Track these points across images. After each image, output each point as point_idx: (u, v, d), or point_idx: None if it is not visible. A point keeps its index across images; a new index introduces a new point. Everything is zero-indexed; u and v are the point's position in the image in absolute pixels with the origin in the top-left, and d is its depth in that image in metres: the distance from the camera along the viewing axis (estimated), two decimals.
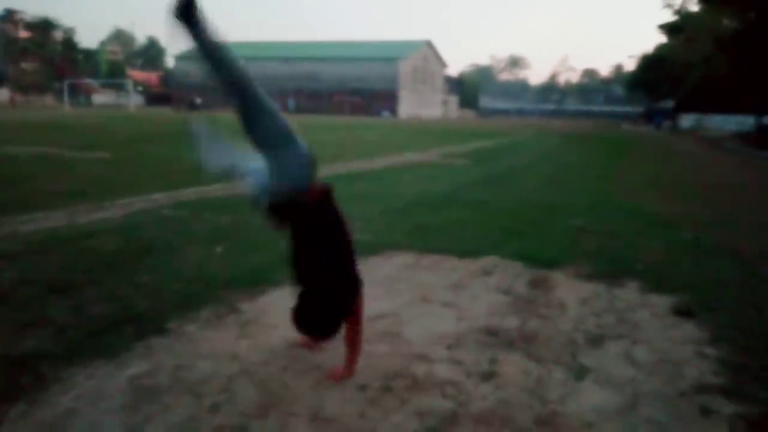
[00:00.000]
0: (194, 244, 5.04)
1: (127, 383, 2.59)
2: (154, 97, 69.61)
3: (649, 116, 65.00)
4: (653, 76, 61.67)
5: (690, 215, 7.56)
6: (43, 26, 68.49)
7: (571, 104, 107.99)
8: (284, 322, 3.22)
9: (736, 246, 5.76)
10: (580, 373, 2.89)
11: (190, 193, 7.50)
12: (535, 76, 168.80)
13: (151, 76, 79.63)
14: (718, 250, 5.59)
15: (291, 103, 66.68)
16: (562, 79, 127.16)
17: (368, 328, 3.33)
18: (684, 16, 48.28)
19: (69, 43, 71.77)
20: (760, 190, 11.38)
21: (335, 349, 2.95)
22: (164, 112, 48.09)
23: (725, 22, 34.16)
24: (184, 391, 2.56)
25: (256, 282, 4.01)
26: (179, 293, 3.77)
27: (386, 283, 4.20)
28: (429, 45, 74.69)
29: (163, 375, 2.69)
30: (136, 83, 67.27)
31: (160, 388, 2.58)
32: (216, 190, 7.80)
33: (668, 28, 53.90)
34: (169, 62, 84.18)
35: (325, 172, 10.32)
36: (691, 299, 4.01)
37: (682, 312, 3.76)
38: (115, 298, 3.62)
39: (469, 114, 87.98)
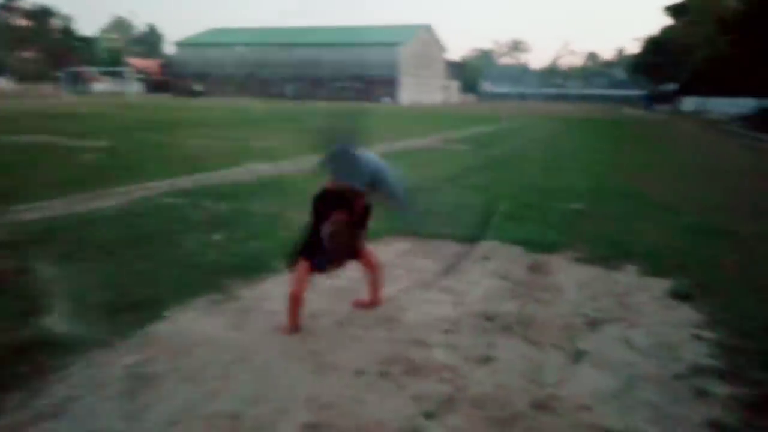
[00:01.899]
0: (193, 231, 5.04)
1: (125, 371, 2.61)
2: (155, 85, 69.24)
3: (651, 100, 64.94)
4: (656, 59, 61.25)
5: (690, 198, 7.55)
6: (42, 14, 68.14)
7: (573, 88, 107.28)
8: (281, 309, 3.24)
9: (734, 229, 5.76)
10: (578, 356, 2.91)
11: (189, 181, 7.50)
12: (537, 60, 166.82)
13: (151, 64, 79.10)
14: (716, 233, 5.59)
15: (290, 89, 66.43)
16: (563, 63, 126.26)
17: (366, 314, 3.36)
18: None
19: (67, 31, 71.43)
20: (760, 173, 11.34)
21: (332, 336, 2.97)
22: (164, 99, 47.89)
23: (729, 3, 33.87)
24: (181, 378, 2.58)
25: (255, 270, 4.01)
26: (177, 281, 3.77)
27: (385, 269, 4.19)
28: (429, 30, 74.08)
29: (160, 362, 2.71)
30: (136, 71, 66.98)
31: (158, 375, 2.59)
32: (214, 177, 7.80)
33: (674, 10, 53.49)
34: (169, 49, 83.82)
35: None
36: (688, 282, 4.01)
37: (680, 295, 3.77)
38: (114, 286, 3.62)
39: (471, 99, 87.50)
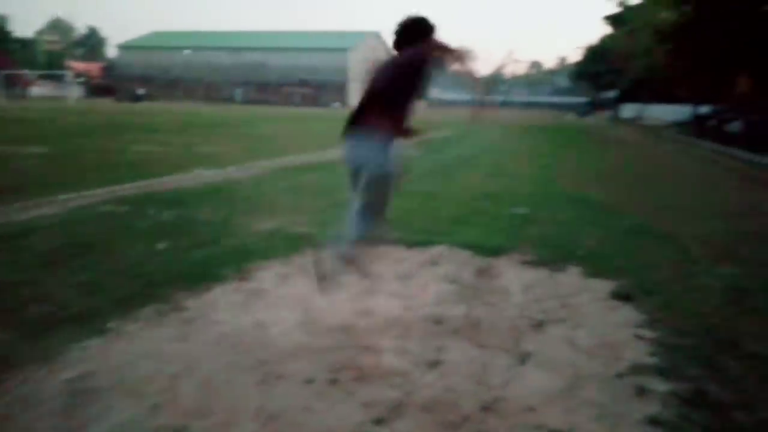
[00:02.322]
0: (136, 240, 4.90)
1: (65, 386, 2.50)
2: (96, 89, 67.04)
3: (592, 106, 67.37)
4: (597, 68, 63.38)
5: (630, 202, 7.82)
6: None
7: (518, 95, 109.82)
8: (229, 318, 3.18)
9: (672, 230, 6.00)
10: (523, 358, 2.96)
11: (131, 188, 7.29)
12: (483, 67, 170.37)
13: (92, 67, 76.57)
14: (656, 235, 5.81)
15: (238, 94, 65.55)
16: (508, 71, 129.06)
17: (316, 321, 3.33)
18: (627, 8, 49.81)
19: (2, 33, 68.39)
20: (696, 176, 11.87)
21: (283, 345, 2.95)
22: (106, 103, 46.43)
23: (664, 14, 35.36)
24: (124, 392, 2.49)
25: (201, 278, 3.92)
26: (119, 291, 3.65)
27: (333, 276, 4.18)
28: (378, 36, 74.53)
29: (102, 377, 2.61)
30: (77, 74, 64.70)
31: (99, 390, 2.50)
32: (159, 184, 7.61)
33: (613, 20, 55.50)
34: (111, 52, 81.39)
35: (273, 164, 10.21)
36: (629, 283, 4.15)
37: (621, 296, 3.90)
38: (52, 299, 3.48)
39: (421, 105, 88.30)
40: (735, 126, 21.39)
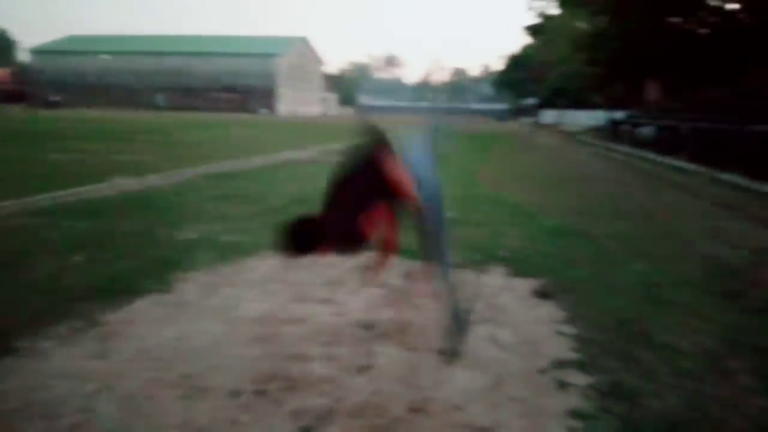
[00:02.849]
0: (50, 253, 4.64)
1: None
2: (6, 95, 63.12)
3: (514, 113, 70.20)
4: (518, 75, 65.74)
5: (550, 204, 8.13)
6: None
7: (444, 102, 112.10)
8: (150, 333, 3.07)
9: (590, 230, 6.28)
10: (451, 358, 3.02)
11: (45, 199, 6.89)
12: (410, 74, 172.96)
13: (1, 73, 72.06)
14: (574, 235, 6.06)
15: (160, 99, 63.52)
16: (434, 78, 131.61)
17: (243, 332, 3.27)
18: (546, 19, 52.00)
19: None
20: (611, 178, 12.47)
21: (207, 358, 2.87)
22: (17, 110, 43.79)
23: (580, 25, 37.13)
24: (36, 414, 2.36)
25: (120, 292, 3.76)
26: (32, 308, 3.45)
27: (262, 284, 4.12)
28: (305, 42, 74.22)
29: (12, 398, 2.46)
30: None
31: (9, 413, 2.36)
32: (74, 195, 7.25)
33: (533, 30, 57.77)
34: (23, 56, 76.87)
35: (196, 171, 9.94)
36: (549, 282, 4.32)
37: (542, 294, 4.05)
38: None
39: (349, 111, 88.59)
40: (646, 130, 22.68)
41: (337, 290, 4.05)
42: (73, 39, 70.95)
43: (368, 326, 3.42)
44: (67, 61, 65.89)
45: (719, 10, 26.37)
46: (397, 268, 4.58)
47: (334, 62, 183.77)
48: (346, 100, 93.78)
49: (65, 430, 2.26)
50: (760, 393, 2.74)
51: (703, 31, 27.62)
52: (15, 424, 2.27)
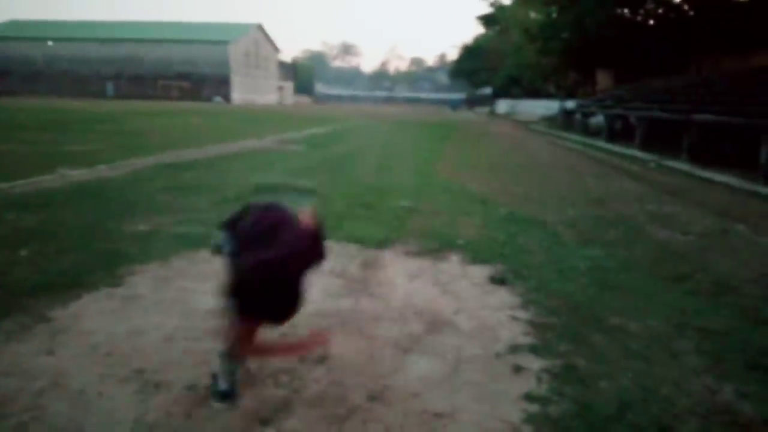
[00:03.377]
0: None
1: None
2: None
3: (470, 102, 71.11)
4: (473, 65, 66.29)
5: (505, 192, 8.26)
6: None
7: (401, 91, 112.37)
8: (101, 328, 2.99)
9: (543, 218, 6.41)
10: (407, 346, 3.04)
11: None
12: (367, 63, 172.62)
13: None
14: (528, 222, 6.18)
15: (109, 88, 61.57)
16: (391, 67, 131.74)
17: (197, 325, 3.21)
18: (498, 9, 52.52)
19: None
20: (563, 166, 12.73)
21: (161, 352, 2.81)
22: None
23: (533, 15, 37.63)
24: None
25: (69, 286, 3.64)
26: None
27: (216, 277, 4.04)
28: (260, 28, 72.90)
29: None
30: None
31: None
32: (19, 187, 6.97)
33: (485, 20, 58.30)
34: None
35: (148, 161, 9.69)
36: (504, 268, 4.40)
37: (497, 280, 4.12)
38: None
39: (305, 100, 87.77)
40: (598, 119, 23.23)
41: None
42: (15, 23, 67.93)
43: (326, 315, 3.41)
44: (9, 47, 63.05)
45: (663, 2, 27.15)
46: (354, 258, 4.59)
47: (288, 50, 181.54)
48: (302, 88, 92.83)
49: (13, 429, 2.19)
50: (707, 373, 2.86)
51: (650, 21, 28.42)
52: None
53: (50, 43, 63.10)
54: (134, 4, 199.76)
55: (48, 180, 7.59)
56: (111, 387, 2.52)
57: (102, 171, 8.59)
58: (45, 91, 58.20)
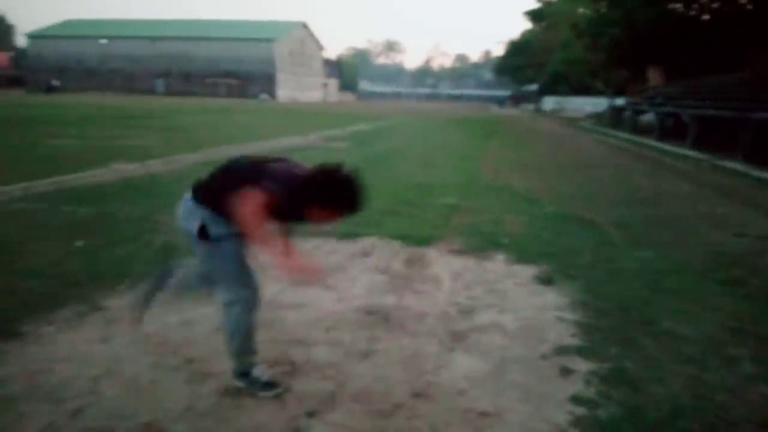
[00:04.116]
0: (52, 239, 4.64)
1: None
2: (6, 80, 62.70)
3: (516, 99, 70.24)
4: (518, 61, 65.28)
5: (552, 191, 8.13)
6: None
7: (445, 88, 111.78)
8: (154, 318, 3.07)
9: (591, 217, 6.28)
10: (451, 344, 3.03)
11: (46, 184, 6.88)
12: (411, 60, 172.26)
13: (0, 57, 71.55)
14: (575, 222, 6.06)
15: (159, 85, 63.20)
16: (435, 64, 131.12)
17: None
18: (546, 4, 51.64)
19: None
20: (612, 165, 12.45)
21: (211, 343, 2.89)
22: (16, 95, 43.58)
23: (581, 10, 36.84)
24: (41, 397, 2.37)
25: (121, 277, 3.77)
26: (35, 293, 3.46)
27: (263, 269, 4.11)
28: (305, 27, 73.63)
29: (17, 382, 2.47)
30: None
31: (14, 396, 2.37)
32: (76, 179, 7.23)
33: (533, 15, 57.40)
34: (21, 41, 76.39)
35: (197, 157, 9.91)
36: (551, 268, 4.33)
37: (544, 280, 4.06)
38: None
39: (349, 97, 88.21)
40: (648, 117, 22.60)
41: (339, 276, 4.06)
42: (69, 23, 70.41)
43: (371, 312, 3.43)
44: (65, 45, 65.36)
45: None
46: (397, 255, 4.59)
47: (333, 47, 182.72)
48: (346, 85, 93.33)
49: (70, 413, 2.28)
50: (763, 381, 2.75)
51: (704, 16, 27.42)
52: (21, 407, 2.28)
53: (103, 41, 65.17)
54: (182, 2, 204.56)
55: (102, 174, 7.85)
56: (162, 375, 2.60)
57: (153, 166, 8.83)
58: (98, 88, 60.14)
